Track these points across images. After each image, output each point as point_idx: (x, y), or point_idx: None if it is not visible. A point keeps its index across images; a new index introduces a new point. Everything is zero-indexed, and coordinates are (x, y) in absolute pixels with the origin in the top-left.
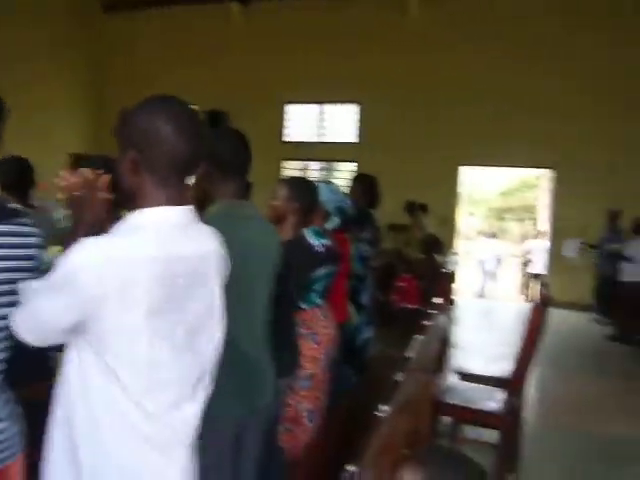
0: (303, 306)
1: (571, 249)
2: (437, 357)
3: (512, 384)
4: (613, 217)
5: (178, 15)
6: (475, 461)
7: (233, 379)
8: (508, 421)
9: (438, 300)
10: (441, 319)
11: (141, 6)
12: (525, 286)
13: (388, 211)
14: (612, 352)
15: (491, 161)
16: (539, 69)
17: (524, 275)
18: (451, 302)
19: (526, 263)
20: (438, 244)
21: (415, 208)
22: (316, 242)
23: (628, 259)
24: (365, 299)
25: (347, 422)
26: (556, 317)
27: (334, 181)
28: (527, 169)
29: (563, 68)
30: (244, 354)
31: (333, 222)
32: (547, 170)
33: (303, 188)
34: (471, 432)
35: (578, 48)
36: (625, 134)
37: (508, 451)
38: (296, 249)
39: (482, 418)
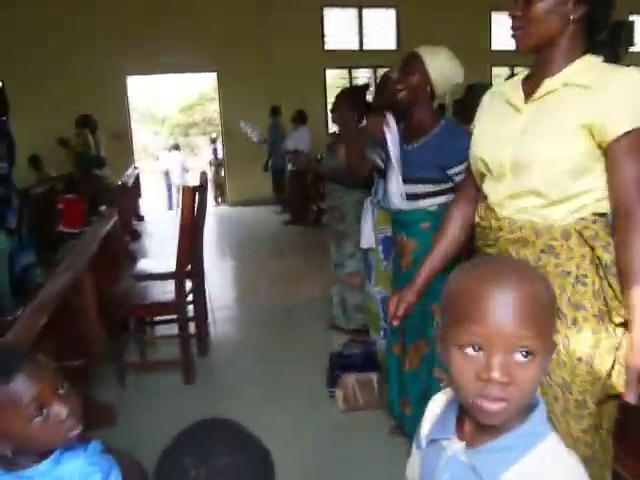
0: None
1: (251, 131)
2: (110, 263)
3: (177, 273)
4: (274, 112)
5: None
6: None
7: None
8: (180, 307)
9: (105, 211)
10: (102, 226)
11: None
12: (217, 191)
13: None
14: (289, 234)
15: (155, 68)
16: None
17: (213, 182)
18: (139, 217)
19: (216, 170)
20: (95, 160)
21: (88, 122)
22: None
23: (293, 151)
24: (11, 222)
25: None
26: (239, 214)
27: None
28: (192, 74)
29: None
30: None
31: None
32: (212, 74)
33: None
34: (163, 330)
35: None
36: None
37: (188, 336)
38: None
39: (157, 310)
